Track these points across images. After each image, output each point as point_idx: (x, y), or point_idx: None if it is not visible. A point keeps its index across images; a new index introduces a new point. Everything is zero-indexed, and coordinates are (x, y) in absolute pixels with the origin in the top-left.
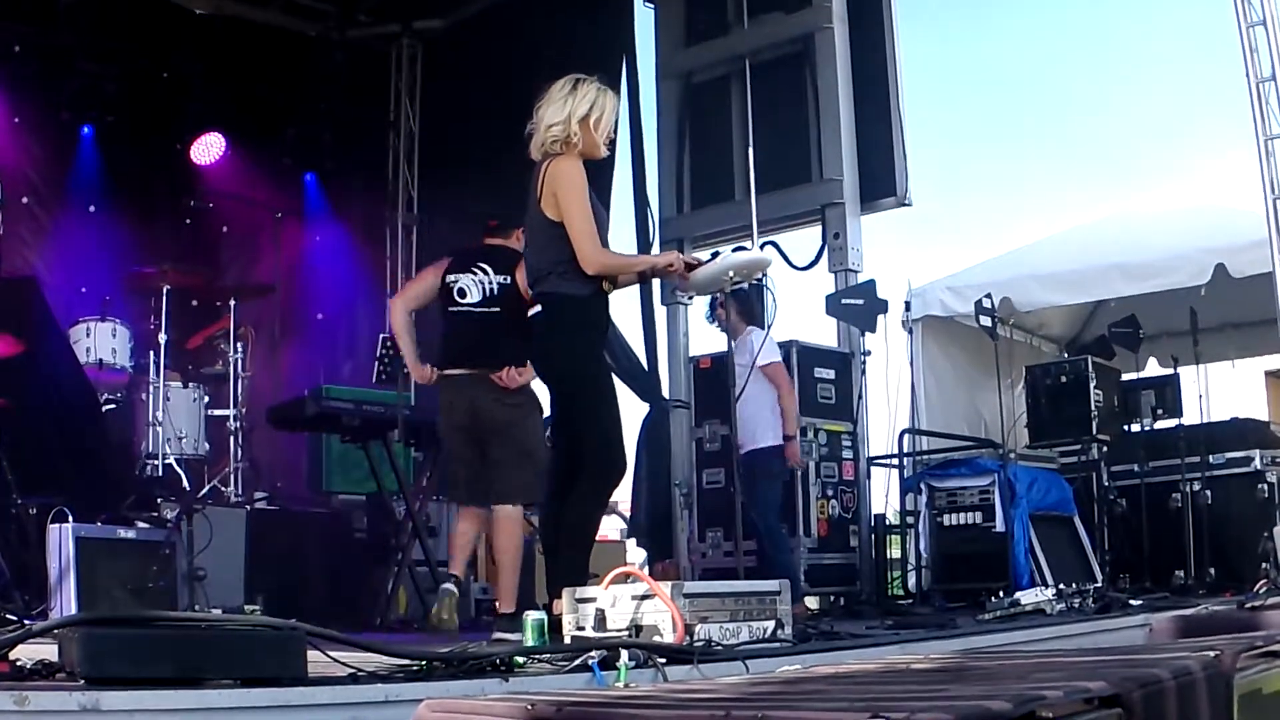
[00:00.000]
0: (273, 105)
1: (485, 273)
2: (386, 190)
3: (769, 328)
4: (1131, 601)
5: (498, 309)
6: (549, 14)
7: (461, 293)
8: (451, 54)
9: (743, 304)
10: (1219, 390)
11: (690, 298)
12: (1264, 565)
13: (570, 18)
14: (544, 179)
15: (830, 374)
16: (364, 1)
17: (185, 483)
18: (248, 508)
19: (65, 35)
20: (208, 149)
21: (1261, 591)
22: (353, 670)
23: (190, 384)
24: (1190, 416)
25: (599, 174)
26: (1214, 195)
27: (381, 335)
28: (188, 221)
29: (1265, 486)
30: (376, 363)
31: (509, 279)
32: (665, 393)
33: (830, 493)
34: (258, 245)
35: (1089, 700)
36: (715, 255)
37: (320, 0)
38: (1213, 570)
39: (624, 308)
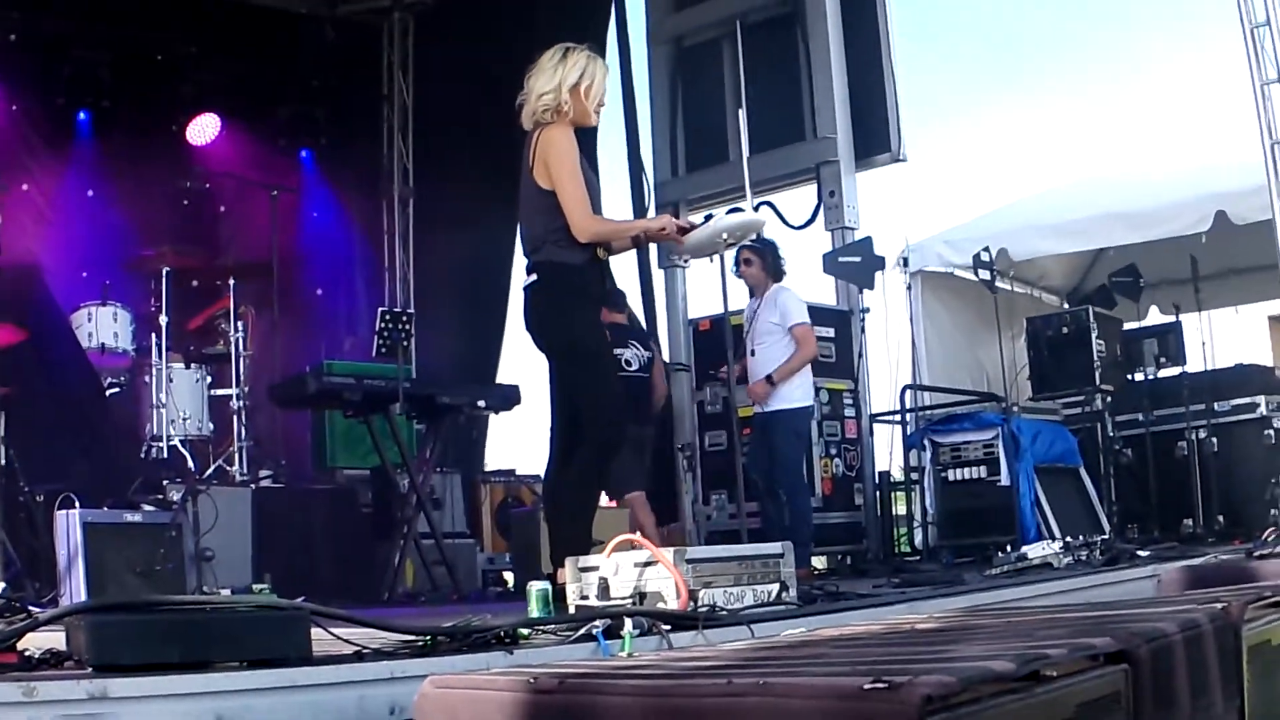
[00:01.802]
0: (266, 84)
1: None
2: (382, 164)
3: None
4: (1139, 553)
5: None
6: None
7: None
8: (443, 25)
9: (771, 259)
10: (1222, 337)
11: (686, 261)
12: (1272, 512)
13: None
14: (536, 148)
15: (830, 332)
16: None
17: (190, 464)
18: (253, 486)
19: (60, 22)
20: (203, 130)
21: (1270, 539)
22: (358, 648)
23: (192, 365)
24: (1194, 364)
25: (586, 142)
26: (1214, 142)
27: (381, 309)
28: (185, 203)
29: (1271, 432)
30: (376, 336)
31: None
32: (666, 355)
33: (834, 451)
34: (255, 224)
35: (1094, 657)
36: (710, 217)
37: None
38: (1221, 518)
39: (622, 272)
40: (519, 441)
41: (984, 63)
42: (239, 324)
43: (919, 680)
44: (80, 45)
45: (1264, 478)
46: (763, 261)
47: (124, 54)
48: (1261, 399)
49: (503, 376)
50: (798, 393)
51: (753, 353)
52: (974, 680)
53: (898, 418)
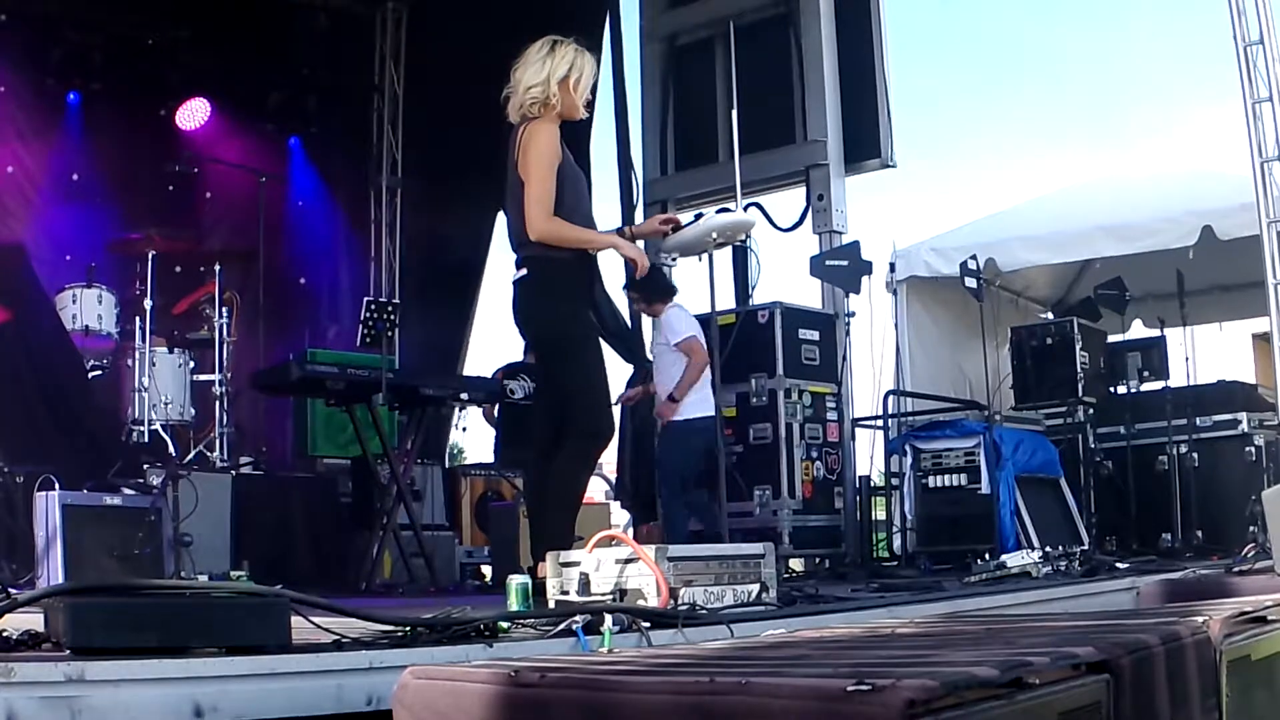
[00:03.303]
0: (257, 70)
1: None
2: (370, 154)
3: (753, 289)
4: (1118, 565)
5: None
6: None
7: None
8: (435, 17)
9: (646, 289)
10: (1206, 353)
11: (674, 259)
12: (1251, 529)
13: None
14: (520, 142)
15: (814, 335)
16: None
17: (171, 448)
18: (233, 473)
19: (52, 3)
20: (193, 114)
21: (1249, 555)
22: (337, 637)
23: (176, 349)
24: (1177, 379)
25: (577, 137)
26: (1202, 157)
27: (367, 299)
28: (171, 188)
29: (1253, 449)
30: (361, 326)
31: None
32: (650, 355)
33: (815, 454)
34: (242, 210)
35: (1076, 666)
36: (700, 216)
37: None
38: (1200, 533)
39: (609, 268)
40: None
41: (977, 70)
42: (224, 310)
43: (902, 683)
44: (71, 27)
45: (1244, 494)
46: (644, 295)
47: (115, 36)
48: (1243, 416)
49: (469, 369)
50: (690, 407)
51: (654, 375)
52: (957, 685)
53: (880, 423)
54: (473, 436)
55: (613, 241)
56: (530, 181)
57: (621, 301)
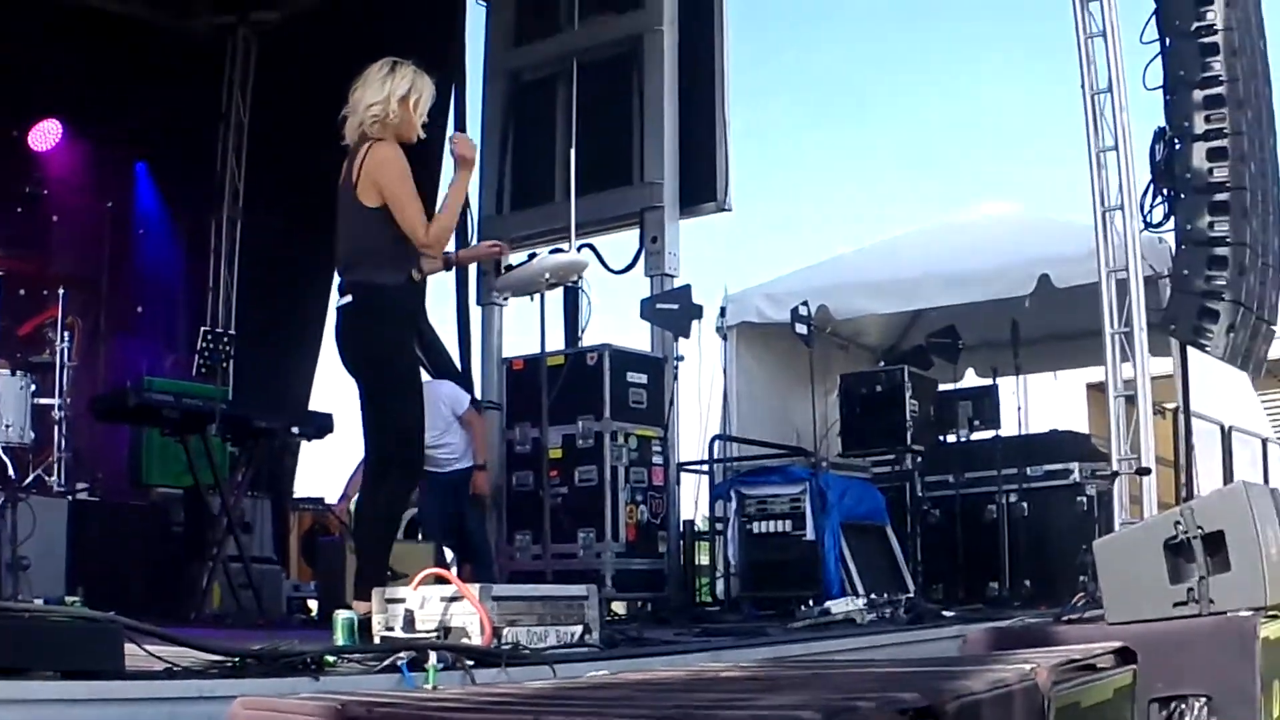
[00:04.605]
0: (109, 94)
1: None
2: (214, 183)
3: (583, 330)
4: (945, 613)
5: None
6: (382, 10)
7: None
8: (287, 48)
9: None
10: (1039, 403)
11: (506, 298)
12: (1081, 578)
13: (404, 14)
14: (362, 165)
15: (642, 379)
16: None
17: (10, 471)
18: (70, 498)
19: None
20: (45, 136)
21: (1079, 605)
22: (169, 665)
23: (18, 372)
24: (1008, 428)
25: (428, 175)
26: (1040, 205)
27: (203, 329)
28: (19, 209)
29: (1084, 499)
30: (198, 355)
31: None
32: (478, 393)
33: (639, 498)
34: (88, 234)
35: (903, 711)
36: (532, 256)
37: None
38: (1028, 583)
39: (439, 307)
40: (332, 469)
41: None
42: (66, 334)
43: None
44: None
45: (1074, 544)
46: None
47: None
48: (1076, 465)
49: (316, 403)
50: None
51: None
52: None
53: (705, 467)
54: (302, 471)
55: (460, 188)
56: (404, 206)
57: (449, 339)
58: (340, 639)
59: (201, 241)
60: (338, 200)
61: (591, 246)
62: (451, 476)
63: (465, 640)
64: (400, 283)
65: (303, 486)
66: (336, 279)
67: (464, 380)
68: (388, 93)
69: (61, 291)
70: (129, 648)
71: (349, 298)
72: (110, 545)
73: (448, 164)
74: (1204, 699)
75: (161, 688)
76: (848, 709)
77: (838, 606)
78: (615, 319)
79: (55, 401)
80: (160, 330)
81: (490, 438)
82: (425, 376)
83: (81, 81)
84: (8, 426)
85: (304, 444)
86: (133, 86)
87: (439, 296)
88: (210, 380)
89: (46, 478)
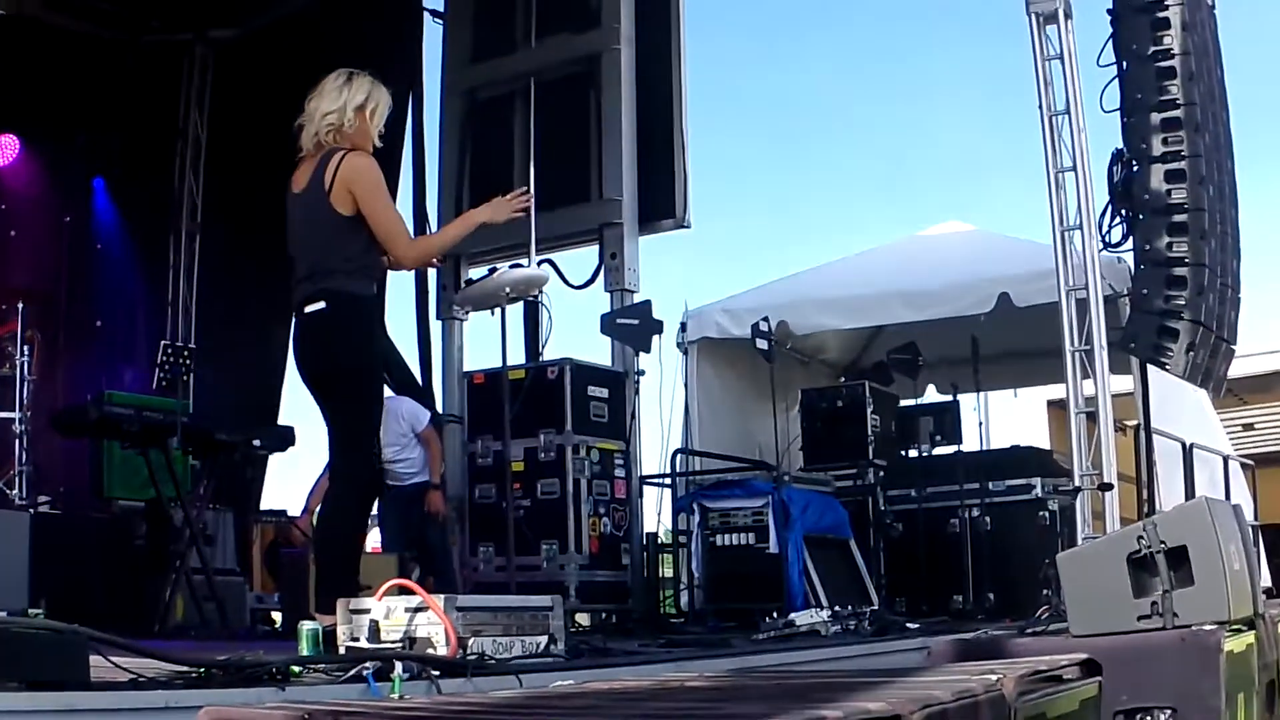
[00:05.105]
0: (67, 109)
1: None
2: (172, 197)
3: (544, 345)
4: (908, 625)
5: None
6: (340, 28)
7: None
8: (243, 63)
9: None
10: (1000, 419)
11: (466, 313)
12: (1045, 592)
13: (361, 32)
14: (337, 172)
15: (604, 393)
16: (159, 8)
17: None
18: (31, 511)
19: None
20: (2, 151)
21: (1043, 618)
22: (134, 676)
23: None
24: (970, 444)
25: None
26: (998, 224)
27: (163, 342)
28: None
29: (1046, 514)
30: (157, 369)
31: None
32: (439, 407)
33: (602, 510)
34: (47, 249)
35: None
36: (493, 271)
37: (117, 5)
38: (991, 596)
39: (400, 320)
40: (299, 482)
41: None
42: (25, 348)
43: None
44: None
45: (1037, 558)
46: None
47: None
48: (1038, 481)
49: (285, 417)
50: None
51: None
52: None
53: (668, 481)
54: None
55: (470, 219)
56: (382, 216)
57: (409, 353)
58: (305, 649)
59: (160, 255)
60: (294, 207)
61: (551, 262)
62: (412, 490)
63: (431, 651)
64: (371, 294)
65: (266, 499)
66: (298, 288)
67: (425, 394)
68: (344, 101)
69: (20, 306)
70: (94, 659)
71: (320, 305)
72: (73, 558)
73: (405, 176)
74: (1169, 711)
75: (127, 698)
76: (816, 718)
77: (802, 618)
78: (576, 334)
79: (16, 415)
80: (119, 344)
81: (451, 451)
82: (387, 392)
83: (38, 97)
84: None
85: (273, 458)
86: (90, 102)
87: (398, 310)
88: (171, 393)
89: (8, 491)
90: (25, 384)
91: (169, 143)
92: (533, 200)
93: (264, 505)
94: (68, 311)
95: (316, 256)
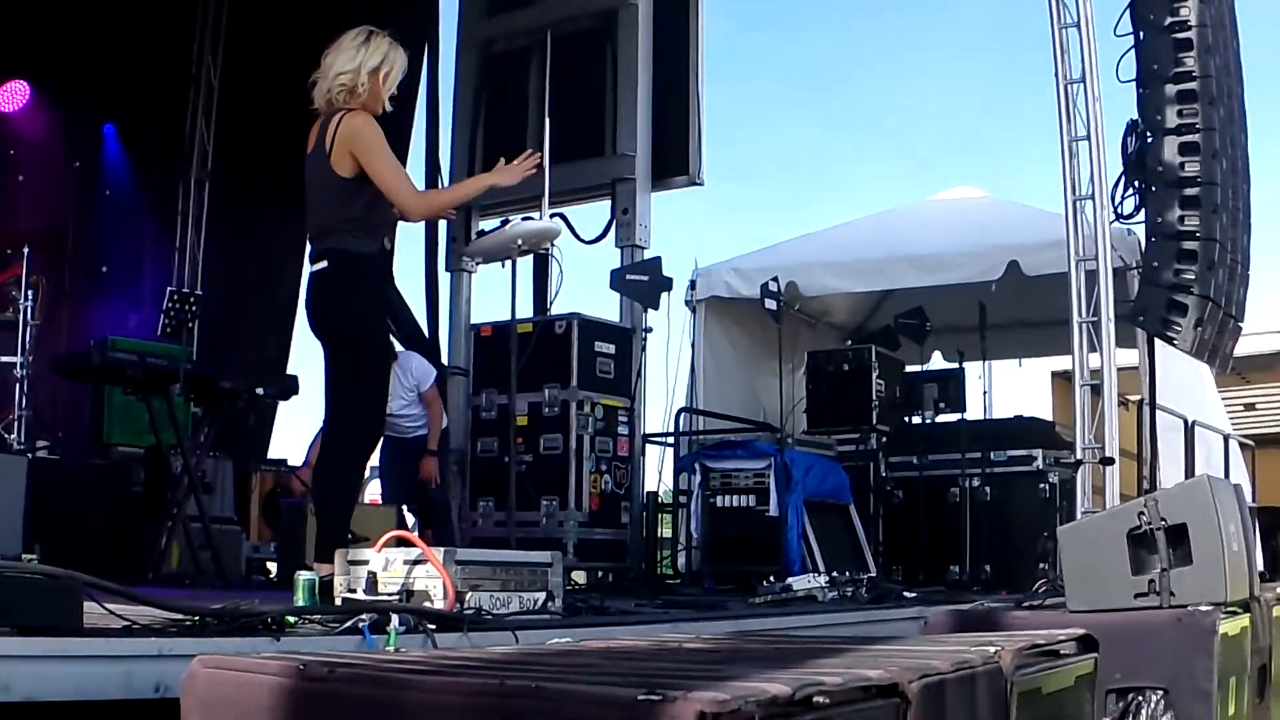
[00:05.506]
0: (78, 55)
1: None
2: (183, 144)
3: (553, 299)
4: (906, 594)
5: None
6: None
7: None
8: (259, 9)
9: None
10: (1004, 388)
11: (476, 265)
12: (1042, 565)
13: None
14: (336, 135)
15: (610, 349)
16: None
17: None
18: (29, 456)
19: None
20: (12, 96)
21: (1040, 591)
22: (127, 623)
23: None
24: (973, 412)
25: (395, 139)
26: (1011, 191)
27: (169, 289)
28: None
29: (1046, 486)
30: (163, 315)
31: None
32: (444, 359)
33: (604, 467)
34: (54, 195)
35: (866, 689)
36: (504, 223)
37: None
38: (988, 567)
39: (408, 273)
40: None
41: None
42: (29, 292)
43: (694, 695)
44: None
45: (1035, 531)
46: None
47: None
48: (1039, 452)
49: (293, 367)
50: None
51: None
52: (749, 699)
53: (671, 440)
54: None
55: (479, 181)
56: (385, 174)
57: (417, 305)
58: (301, 600)
59: (169, 202)
60: (307, 168)
61: (563, 216)
62: (415, 442)
63: (428, 604)
64: (373, 252)
65: (278, 449)
66: (309, 246)
67: (432, 347)
68: (359, 63)
69: (26, 250)
70: (87, 605)
71: (324, 264)
72: (70, 504)
73: (419, 128)
74: (1161, 692)
75: (120, 645)
76: (815, 683)
77: (799, 583)
78: (584, 289)
79: (18, 359)
80: (125, 290)
81: (455, 404)
82: (397, 346)
83: (49, 42)
84: None
85: (282, 406)
86: (102, 48)
87: (407, 263)
88: (175, 340)
89: (6, 435)
90: (28, 329)
91: (182, 89)
92: (547, 154)
93: (270, 455)
94: (73, 257)
95: (322, 217)
